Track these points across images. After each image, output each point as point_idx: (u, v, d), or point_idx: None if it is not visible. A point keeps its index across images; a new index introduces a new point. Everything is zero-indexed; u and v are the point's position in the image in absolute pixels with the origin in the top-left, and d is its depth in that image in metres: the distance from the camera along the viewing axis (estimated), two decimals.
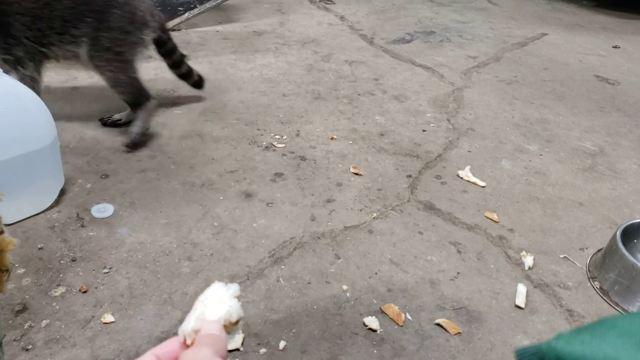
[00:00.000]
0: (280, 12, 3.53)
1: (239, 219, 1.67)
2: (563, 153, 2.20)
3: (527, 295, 1.49)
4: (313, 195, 1.82)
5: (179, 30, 3.02)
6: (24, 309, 1.32)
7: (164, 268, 1.47)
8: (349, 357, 1.28)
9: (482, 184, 1.94)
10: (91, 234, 1.57)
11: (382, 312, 1.40)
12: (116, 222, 1.62)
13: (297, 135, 2.15)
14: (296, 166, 1.96)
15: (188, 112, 2.22)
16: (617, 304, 1.49)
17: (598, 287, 1.55)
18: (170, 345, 0.51)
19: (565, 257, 1.65)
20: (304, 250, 1.58)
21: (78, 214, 1.63)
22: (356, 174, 1.95)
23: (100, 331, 1.29)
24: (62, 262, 1.47)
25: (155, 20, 2.02)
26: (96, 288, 1.40)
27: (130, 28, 1.92)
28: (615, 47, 3.47)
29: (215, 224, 1.65)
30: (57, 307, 1.34)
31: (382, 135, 2.21)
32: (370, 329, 1.35)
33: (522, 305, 1.45)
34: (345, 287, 1.47)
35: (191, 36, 2.98)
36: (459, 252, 1.63)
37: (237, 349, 1.26)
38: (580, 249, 1.69)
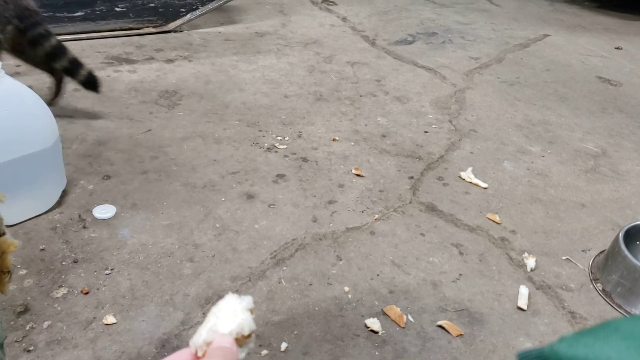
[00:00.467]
0: (282, 14, 3.53)
1: (240, 220, 1.67)
2: (565, 154, 2.19)
3: (530, 297, 1.49)
4: (315, 196, 1.82)
5: (181, 31, 3.02)
6: (26, 310, 1.32)
7: (166, 269, 1.47)
8: (350, 358, 1.27)
9: (484, 185, 1.94)
10: (93, 235, 1.57)
11: (384, 313, 1.40)
12: (118, 224, 1.62)
13: (299, 136, 2.15)
14: (298, 167, 1.96)
15: (190, 114, 2.22)
16: (620, 306, 1.49)
17: (600, 289, 1.54)
18: (181, 356, 0.51)
19: (567, 258, 1.65)
20: (305, 251, 1.58)
21: (80, 215, 1.63)
22: (358, 175, 1.94)
23: (102, 332, 1.29)
24: (63, 263, 1.47)
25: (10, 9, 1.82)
26: (98, 289, 1.40)
27: None
28: (617, 48, 3.46)
29: (217, 225, 1.64)
30: (59, 308, 1.34)
31: (384, 136, 2.20)
32: (372, 331, 1.35)
33: (525, 307, 1.45)
34: (346, 288, 1.46)
35: (193, 37, 2.98)
36: (460, 253, 1.63)
37: None
38: (582, 251, 1.69)
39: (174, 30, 3.00)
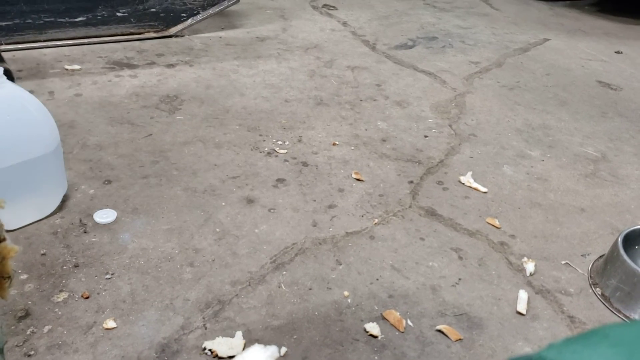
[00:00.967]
0: (283, 18, 3.54)
1: (240, 225, 1.68)
2: (565, 159, 2.20)
3: (529, 302, 1.49)
4: (315, 201, 1.82)
5: (182, 36, 3.04)
6: (27, 314, 1.33)
7: (166, 274, 1.48)
8: None
9: (483, 189, 1.94)
10: (94, 239, 1.58)
11: (383, 318, 1.40)
12: (119, 228, 1.63)
13: (299, 141, 2.15)
14: (298, 172, 1.96)
15: (191, 118, 2.23)
16: (619, 311, 1.49)
17: (600, 293, 1.54)
18: None
19: (566, 263, 1.65)
20: (305, 256, 1.59)
21: (81, 220, 1.64)
22: (358, 179, 1.95)
23: (102, 337, 1.29)
24: (64, 268, 1.47)
25: None
26: (98, 294, 1.40)
27: None
28: (617, 52, 3.47)
29: (217, 229, 1.65)
30: (60, 312, 1.34)
31: (384, 141, 2.21)
32: (371, 335, 1.35)
33: (524, 312, 1.45)
34: (346, 293, 1.47)
35: (194, 42, 3.00)
36: (460, 258, 1.63)
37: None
38: (582, 255, 1.69)
39: (175, 35, 3.01)
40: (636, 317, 1.48)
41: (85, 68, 2.56)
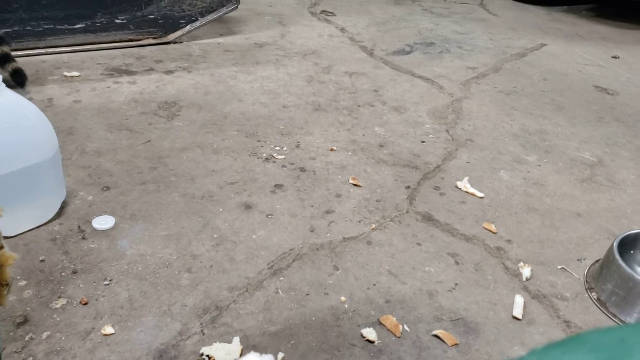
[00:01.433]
0: (281, 24, 3.56)
1: (238, 231, 1.69)
2: (561, 164, 2.21)
3: (525, 307, 1.50)
4: (312, 206, 1.83)
5: (181, 42, 3.05)
6: (25, 320, 1.34)
7: (164, 280, 1.49)
8: None
9: (480, 194, 1.95)
10: (92, 246, 1.58)
11: (380, 323, 1.41)
12: (117, 234, 1.63)
13: (297, 146, 2.16)
14: (296, 177, 1.97)
15: (189, 124, 2.24)
16: (615, 315, 1.50)
17: (595, 298, 1.55)
18: None
19: (563, 268, 1.66)
20: (302, 261, 1.60)
21: (79, 227, 1.65)
22: (355, 185, 1.96)
23: (100, 343, 1.30)
24: (63, 274, 1.48)
25: None
26: (96, 300, 1.41)
27: None
28: (614, 57, 3.49)
29: (215, 235, 1.66)
30: (58, 319, 1.35)
31: (381, 146, 2.22)
32: (368, 340, 1.36)
33: (520, 317, 1.46)
34: (343, 298, 1.48)
35: (193, 48, 3.01)
36: (456, 263, 1.64)
37: None
38: (578, 260, 1.70)
39: (174, 42, 3.02)
40: (632, 321, 1.49)
41: (84, 75, 2.57)
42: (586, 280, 1.61)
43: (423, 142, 2.28)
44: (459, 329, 1.41)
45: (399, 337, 1.37)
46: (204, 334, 1.34)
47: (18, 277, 1.45)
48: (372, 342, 1.35)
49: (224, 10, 3.10)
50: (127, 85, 2.52)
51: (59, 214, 1.68)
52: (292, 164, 2.05)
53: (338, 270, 1.57)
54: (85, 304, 1.40)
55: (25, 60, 2.63)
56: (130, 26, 2.87)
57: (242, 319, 1.39)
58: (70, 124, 2.16)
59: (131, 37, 2.91)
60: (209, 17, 3.07)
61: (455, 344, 1.37)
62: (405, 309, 1.46)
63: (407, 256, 1.65)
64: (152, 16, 2.91)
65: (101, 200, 1.77)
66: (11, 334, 1.30)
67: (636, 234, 1.64)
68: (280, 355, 1.30)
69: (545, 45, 3.60)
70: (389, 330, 1.39)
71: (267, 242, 1.65)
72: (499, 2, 4.56)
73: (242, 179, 1.94)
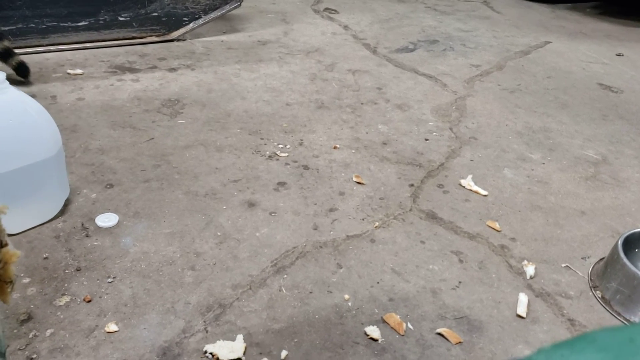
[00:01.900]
0: (285, 22, 3.56)
1: (241, 228, 1.69)
2: (565, 162, 2.20)
3: (529, 305, 1.49)
4: (316, 204, 1.83)
5: (184, 40, 3.05)
6: (29, 318, 1.34)
7: (167, 277, 1.48)
8: None
9: (484, 192, 1.95)
10: (95, 243, 1.58)
11: (384, 321, 1.41)
12: (120, 232, 1.63)
13: (301, 144, 2.16)
14: (299, 175, 1.97)
15: (192, 122, 2.24)
16: (619, 314, 1.50)
17: (600, 296, 1.55)
18: None
19: (567, 266, 1.66)
20: (306, 259, 1.59)
21: (83, 224, 1.65)
22: (359, 183, 1.96)
23: (104, 340, 1.30)
24: (66, 271, 1.48)
25: None
26: (100, 297, 1.41)
27: None
28: (618, 55, 3.48)
29: (219, 233, 1.66)
30: (62, 316, 1.35)
31: (384, 144, 2.22)
32: (372, 339, 1.35)
33: (524, 315, 1.46)
34: (347, 296, 1.48)
35: (196, 46, 3.01)
36: (460, 261, 1.64)
37: (239, 359, 1.27)
38: (582, 258, 1.69)
39: (177, 39, 3.02)
40: (636, 320, 1.49)
41: (87, 72, 2.57)
42: (590, 279, 1.61)
43: (427, 140, 2.28)
44: (462, 327, 1.41)
45: (403, 335, 1.37)
46: (207, 332, 1.33)
47: (22, 275, 1.45)
48: (375, 340, 1.35)
49: (227, 7, 3.10)
50: (131, 83, 2.52)
51: (62, 212, 1.68)
52: (296, 161, 2.05)
53: (341, 268, 1.57)
54: (89, 301, 1.40)
55: (28, 57, 2.63)
56: (134, 24, 2.87)
57: (246, 317, 1.39)
58: (73, 121, 2.16)
59: (134, 34, 2.91)
60: (212, 15, 3.06)
61: (459, 342, 1.37)
62: (408, 307, 1.46)
63: (410, 254, 1.65)
64: (156, 14, 2.91)
65: (105, 197, 1.77)
66: (15, 331, 1.30)
67: None
68: (284, 353, 1.30)
69: (549, 42, 3.59)
70: (392, 328, 1.39)
71: (271, 240, 1.65)
72: None
73: (245, 177, 1.93)
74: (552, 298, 1.53)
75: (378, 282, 1.53)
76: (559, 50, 3.46)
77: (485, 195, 1.94)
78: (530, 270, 1.61)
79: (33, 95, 2.23)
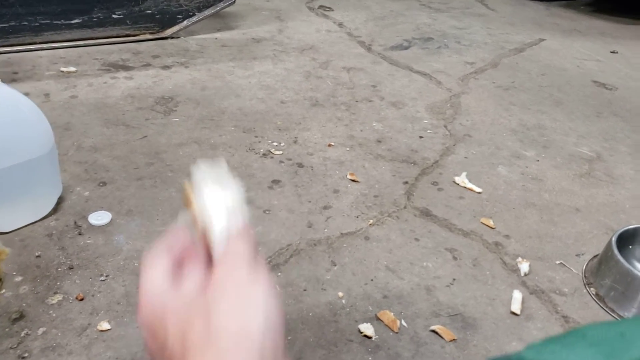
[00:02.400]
0: (279, 19, 3.55)
1: None
2: (560, 159, 2.20)
3: (523, 302, 1.49)
4: (310, 202, 1.83)
5: (178, 37, 3.04)
6: (21, 316, 1.33)
7: None
8: None
9: (478, 190, 1.95)
10: (88, 241, 1.58)
11: (378, 318, 1.40)
12: (113, 230, 1.63)
13: (295, 142, 2.16)
14: (293, 173, 1.97)
15: (186, 120, 2.23)
16: (613, 310, 1.50)
17: (594, 293, 1.55)
18: (177, 236, 0.52)
19: (561, 263, 1.66)
20: (300, 257, 1.59)
21: (75, 222, 1.64)
22: (353, 180, 1.95)
23: (96, 339, 1.29)
24: (59, 269, 1.47)
25: None
26: (93, 296, 1.41)
27: None
28: (613, 52, 3.48)
29: None
30: (54, 314, 1.34)
31: (379, 141, 2.21)
32: (366, 336, 1.35)
33: (518, 312, 1.46)
34: (340, 294, 1.47)
35: (190, 44, 3.00)
36: (454, 258, 1.63)
37: None
38: (576, 255, 1.69)
39: (171, 37, 3.01)
40: (630, 316, 1.49)
41: (80, 70, 2.56)
42: (585, 276, 1.61)
43: (421, 137, 2.27)
44: (456, 324, 1.41)
45: (397, 333, 1.37)
46: None
47: (14, 273, 1.44)
48: (369, 337, 1.35)
49: (221, 5, 3.09)
50: (124, 81, 2.51)
51: (55, 210, 1.67)
52: (290, 159, 2.04)
53: (335, 265, 1.57)
54: (82, 299, 1.39)
55: (21, 55, 2.62)
56: (127, 21, 2.86)
57: None
58: (66, 119, 2.15)
59: (128, 32, 2.90)
60: (206, 12, 3.05)
61: (453, 339, 1.36)
62: (403, 305, 1.45)
63: (404, 251, 1.64)
64: (149, 11, 2.89)
65: (97, 195, 1.76)
66: (7, 329, 1.29)
67: (635, 229, 1.64)
68: None
69: (543, 40, 3.59)
70: (386, 325, 1.38)
71: (265, 238, 1.65)
72: None
73: (239, 175, 1.92)
74: (546, 295, 1.53)
75: (372, 280, 1.53)
76: (554, 48, 3.46)
77: (479, 193, 1.94)
78: (524, 267, 1.60)
79: (26, 93, 2.22)
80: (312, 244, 1.64)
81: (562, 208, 1.91)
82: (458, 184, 1.98)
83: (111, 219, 1.66)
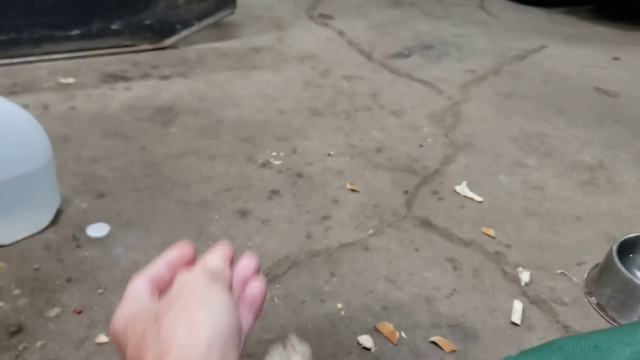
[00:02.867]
0: (279, 28, 3.55)
1: (234, 238, 1.67)
2: (561, 167, 2.19)
3: (524, 312, 1.48)
4: (309, 212, 1.82)
5: (177, 47, 3.04)
6: (19, 330, 1.33)
7: None
8: None
9: (479, 199, 1.94)
10: (86, 254, 1.57)
11: (377, 330, 1.39)
12: (111, 242, 1.62)
13: (294, 151, 2.15)
14: (293, 183, 1.96)
15: (185, 130, 2.23)
16: (614, 320, 1.48)
17: (595, 302, 1.54)
18: (180, 251, 0.52)
19: (562, 272, 1.64)
20: (299, 268, 1.58)
21: (74, 234, 1.64)
22: (353, 190, 1.94)
23: (94, 352, 1.29)
24: (57, 282, 1.47)
25: None
26: (91, 308, 1.40)
27: None
28: (615, 58, 3.47)
29: (210, 242, 1.64)
30: (52, 327, 1.34)
31: (379, 150, 2.21)
32: (365, 348, 1.34)
33: (518, 322, 1.45)
34: (340, 305, 1.46)
35: (189, 53, 3.00)
36: (455, 268, 1.62)
37: None
38: (577, 264, 1.68)
39: (170, 47, 3.01)
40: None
41: (79, 81, 2.56)
42: (586, 285, 1.60)
43: (421, 146, 2.27)
44: (456, 335, 1.40)
45: (396, 344, 1.36)
46: None
47: (12, 286, 1.44)
48: (368, 349, 1.34)
49: (221, 14, 3.09)
50: (123, 92, 2.51)
51: (53, 222, 1.67)
52: (289, 169, 2.04)
53: (335, 276, 1.56)
54: (80, 312, 1.39)
55: (21, 67, 2.63)
56: (126, 32, 2.86)
57: None
58: (65, 130, 2.15)
59: (127, 42, 2.90)
60: (205, 22, 3.05)
61: (453, 350, 1.35)
62: (402, 316, 1.44)
63: (404, 262, 1.63)
64: (148, 21, 2.90)
65: (96, 207, 1.75)
66: (5, 343, 1.29)
67: (636, 238, 1.62)
68: None
69: (545, 47, 3.58)
70: (385, 337, 1.37)
71: (263, 249, 1.64)
72: (498, 3, 4.55)
73: (238, 185, 1.92)
74: (547, 305, 1.52)
75: (371, 291, 1.52)
76: (555, 55, 3.45)
77: (480, 202, 1.93)
78: (525, 276, 1.59)
79: (25, 105, 2.22)
80: (311, 254, 1.64)
81: (563, 217, 1.90)
82: (459, 193, 1.96)
83: (109, 231, 1.66)
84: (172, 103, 2.43)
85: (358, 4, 4.23)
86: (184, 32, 3.01)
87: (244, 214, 1.78)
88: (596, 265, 1.65)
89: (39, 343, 1.30)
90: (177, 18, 2.97)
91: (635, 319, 1.46)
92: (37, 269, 1.50)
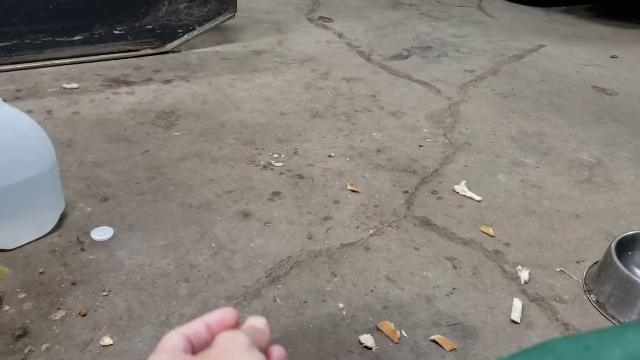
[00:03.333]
0: (279, 31, 3.57)
1: (236, 239, 1.69)
2: (560, 165, 2.21)
3: (523, 310, 1.50)
4: (310, 213, 1.84)
5: (179, 51, 3.06)
6: (25, 333, 1.34)
7: (162, 290, 1.49)
8: None
9: (478, 198, 1.95)
10: (91, 257, 1.59)
11: (378, 329, 1.41)
12: (115, 245, 1.64)
13: (295, 153, 2.17)
14: (294, 184, 1.98)
15: (187, 134, 2.25)
16: (613, 317, 1.50)
17: (594, 300, 1.55)
18: (223, 314, 0.53)
19: (561, 270, 1.66)
20: (300, 269, 1.60)
21: (78, 238, 1.66)
22: (353, 191, 1.96)
23: (99, 354, 1.30)
24: (62, 285, 1.49)
25: None
26: (95, 311, 1.42)
27: None
28: (613, 57, 3.49)
29: (213, 244, 1.66)
30: (57, 330, 1.36)
31: (379, 151, 2.22)
32: (366, 347, 1.36)
33: (518, 320, 1.46)
34: (341, 305, 1.48)
35: (190, 57, 3.02)
36: (454, 267, 1.64)
37: None
38: (576, 262, 1.70)
39: (172, 51, 3.04)
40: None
41: (82, 86, 2.58)
42: (585, 283, 1.61)
43: (421, 146, 2.29)
44: (457, 333, 1.41)
45: (397, 343, 1.37)
46: None
47: (17, 290, 1.46)
48: (369, 348, 1.36)
49: (221, 18, 3.11)
50: (126, 96, 2.53)
51: (58, 226, 1.69)
52: (290, 171, 2.06)
53: (336, 277, 1.58)
54: (84, 315, 1.40)
55: (24, 72, 2.65)
56: (128, 37, 2.89)
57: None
58: (69, 135, 2.17)
59: (129, 47, 2.92)
60: (207, 26, 3.08)
61: (453, 349, 1.37)
62: (403, 315, 1.46)
63: (404, 261, 1.65)
64: (150, 26, 2.92)
65: (100, 211, 1.78)
66: (10, 346, 1.31)
67: (634, 235, 1.64)
68: None
69: (543, 46, 3.60)
70: (386, 336, 1.39)
71: (265, 250, 1.66)
72: (496, 4, 4.57)
73: (239, 187, 1.94)
74: (546, 303, 1.53)
75: (372, 290, 1.54)
76: (553, 54, 3.47)
77: (479, 201, 1.95)
78: (524, 275, 1.61)
79: (29, 111, 2.25)
80: (312, 255, 1.65)
81: (562, 215, 1.91)
82: (458, 193, 1.98)
83: (113, 234, 1.68)
84: (174, 107, 2.45)
85: (357, 6, 4.25)
86: (186, 37, 3.04)
87: (246, 215, 1.80)
88: (595, 263, 1.67)
89: (44, 346, 1.32)
90: (179, 22, 2.99)
91: (634, 316, 1.47)
92: (42, 273, 1.52)
